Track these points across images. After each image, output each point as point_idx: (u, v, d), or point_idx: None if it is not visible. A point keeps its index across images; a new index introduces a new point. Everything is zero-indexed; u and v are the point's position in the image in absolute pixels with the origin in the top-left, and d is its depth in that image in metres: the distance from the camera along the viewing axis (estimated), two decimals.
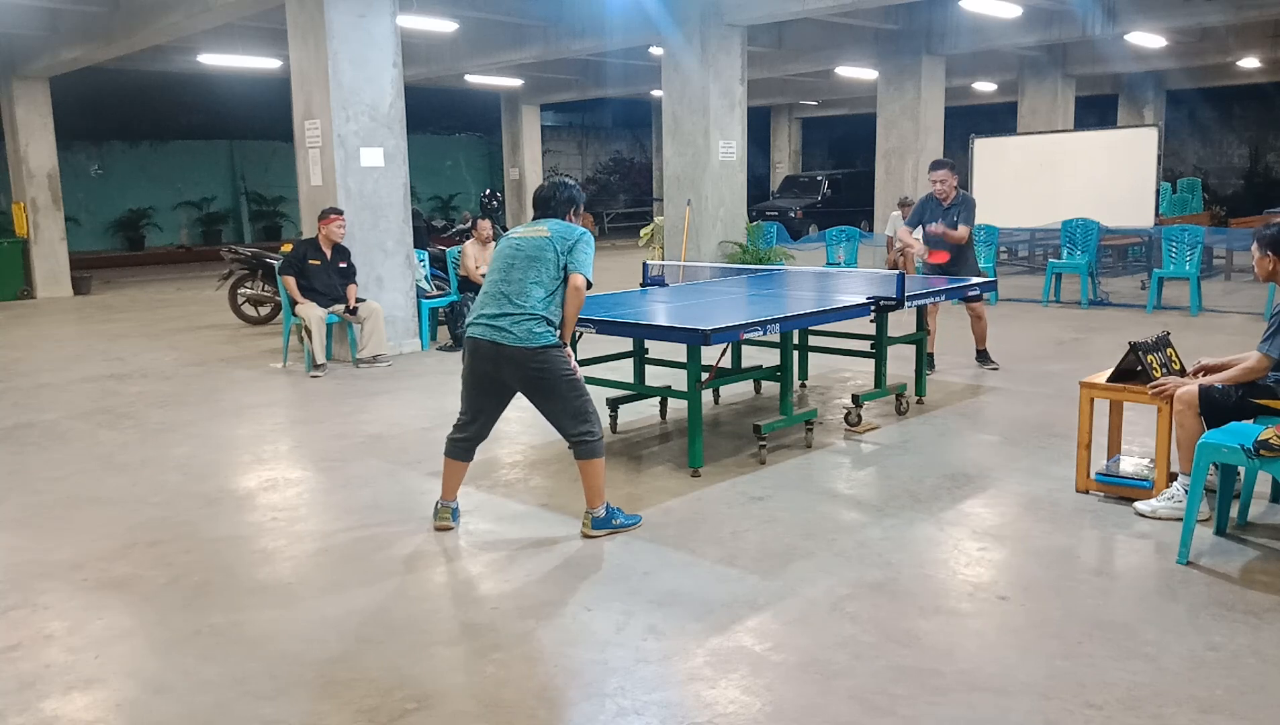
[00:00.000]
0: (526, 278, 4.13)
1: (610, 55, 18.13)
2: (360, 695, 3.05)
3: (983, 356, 7.75)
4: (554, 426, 4.30)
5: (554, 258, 4.14)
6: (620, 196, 30.72)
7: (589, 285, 4.20)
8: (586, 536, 4.29)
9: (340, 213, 8.44)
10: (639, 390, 6.15)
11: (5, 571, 4.12)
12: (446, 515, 4.51)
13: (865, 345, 6.73)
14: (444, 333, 9.72)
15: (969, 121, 23.40)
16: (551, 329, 4.14)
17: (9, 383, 8.25)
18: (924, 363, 6.78)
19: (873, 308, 5.89)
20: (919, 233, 7.86)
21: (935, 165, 7.76)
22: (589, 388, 5.82)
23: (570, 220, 4.34)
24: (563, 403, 4.19)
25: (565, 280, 4.17)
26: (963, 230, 7.50)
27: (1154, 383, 4.43)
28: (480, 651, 3.33)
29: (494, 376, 4.23)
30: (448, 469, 4.47)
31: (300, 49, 8.84)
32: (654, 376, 6.39)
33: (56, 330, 11.72)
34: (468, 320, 4.30)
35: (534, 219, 4.37)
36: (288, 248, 9.80)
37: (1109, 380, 4.66)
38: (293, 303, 8.38)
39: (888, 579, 3.82)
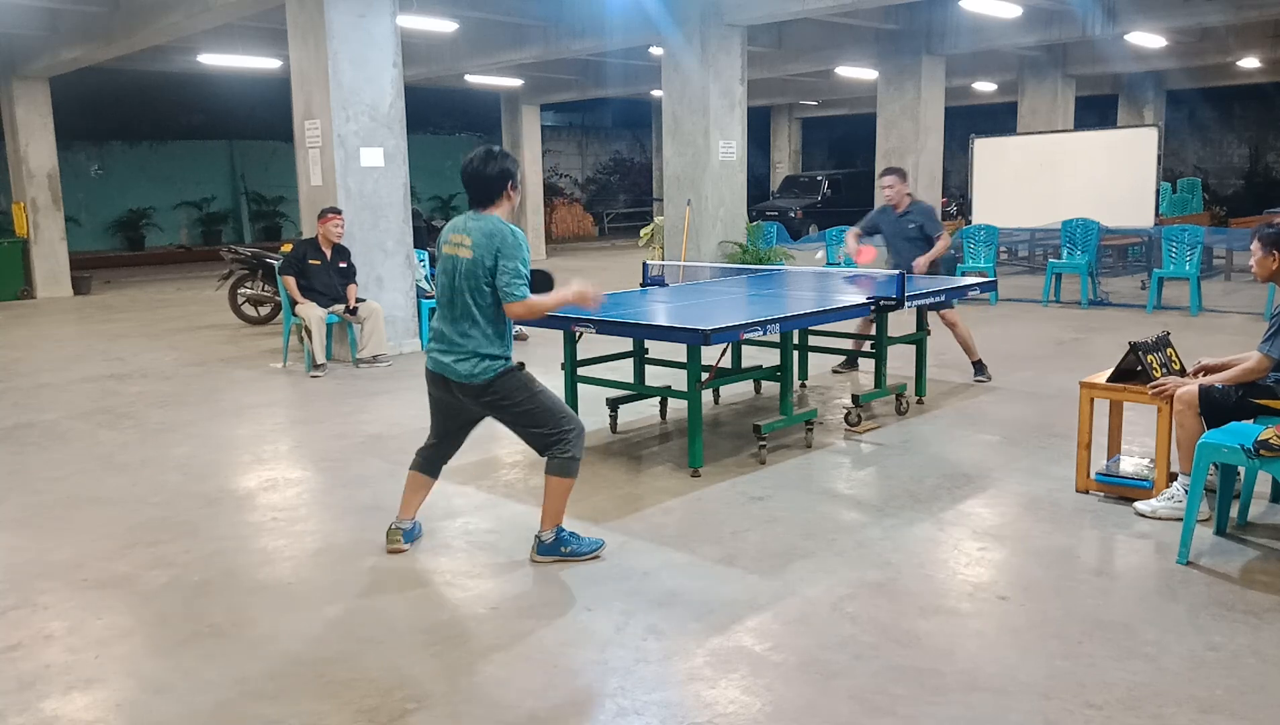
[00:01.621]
0: (464, 312, 3.81)
1: (610, 55, 18.12)
2: (360, 695, 3.05)
3: (978, 368, 7.34)
4: (529, 446, 4.05)
5: (483, 282, 3.75)
6: (620, 196, 30.72)
7: (528, 298, 3.75)
8: (534, 562, 4.01)
9: (338, 212, 8.44)
10: (639, 390, 6.14)
11: (5, 571, 4.12)
12: (398, 537, 4.18)
13: (865, 345, 6.73)
14: None
15: (969, 121, 23.39)
16: (498, 360, 3.82)
17: (9, 383, 8.26)
18: (924, 363, 6.75)
19: (873, 308, 5.89)
20: (878, 240, 7.74)
21: (886, 171, 7.49)
22: (590, 387, 5.88)
23: (510, 196, 3.84)
24: (526, 430, 3.94)
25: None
26: (943, 241, 7.35)
27: (1154, 383, 4.43)
28: (480, 651, 3.33)
29: (453, 403, 3.99)
30: (408, 482, 4.21)
31: (300, 49, 8.84)
32: (654, 376, 6.39)
33: (56, 330, 11.72)
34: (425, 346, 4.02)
35: (470, 205, 3.91)
36: (288, 248, 9.80)
37: (1109, 380, 4.66)
38: (293, 303, 8.38)
39: (888, 579, 3.82)
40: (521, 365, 3.96)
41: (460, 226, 3.87)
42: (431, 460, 4.21)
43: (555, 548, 4.01)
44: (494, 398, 3.86)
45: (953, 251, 12.40)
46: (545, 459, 3.98)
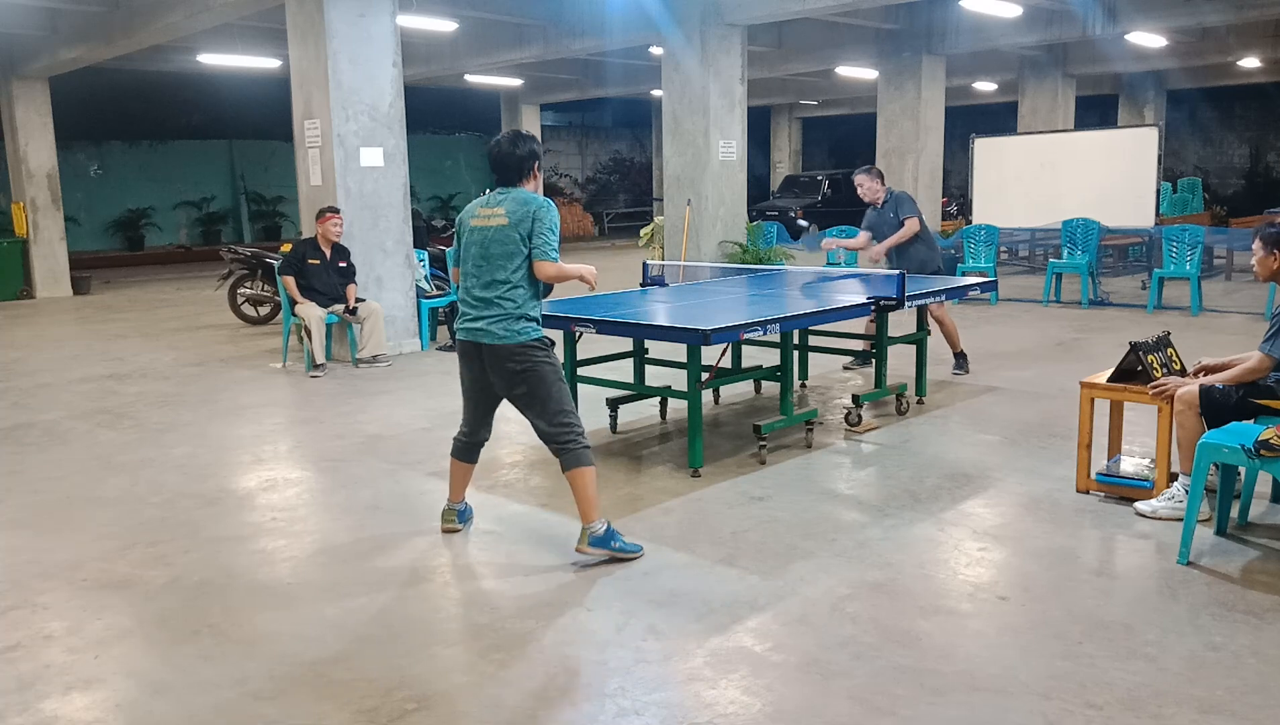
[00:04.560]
0: (501, 277, 3.95)
1: (610, 55, 18.13)
2: (360, 695, 3.05)
3: (960, 360, 7.49)
4: (538, 433, 4.07)
5: (519, 247, 3.93)
6: (620, 196, 30.73)
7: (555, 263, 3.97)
8: (581, 552, 3.99)
9: (337, 211, 8.44)
10: (639, 390, 6.14)
11: (5, 571, 4.12)
12: (452, 518, 4.46)
13: (865, 345, 6.73)
14: (443, 332, 9.72)
15: (969, 121, 23.39)
16: (535, 325, 3.99)
17: (9, 383, 8.25)
18: (924, 363, 6.75)
19: (873, 308, 5.88)
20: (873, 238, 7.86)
21: (856, 172, 7.72)
22: (590, 387, 5.89)
23: (534, 177, 4.09)
24: (543, 404, 3.99)
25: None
26: (910, 224, 7.43)
27: (1154, 383, 4.42)
28: (480, 651, 3.33)
29: (481, 378, 4.12)
30: (452, 469, 4.42)
31: (300, 49, 8.83)
32: (654, 376, 6.39)
33: (56, 330, 11.71)
34: (455, 324, 4.20)
35: (496, 184, 4.10)
36: (287, 248, 9.80)
37: (1109, 380, 4.66)
38: (292, 303, 8.38)
39: (888, 579, 3.82)
40: (551, 342, 4.07)
41: (489, 201, 4.06)
42: (470, 448, 4.38)
43: (607, 540, 4.00)
44: (522, 364, 3.96)
45: (953, 251, 12.43)
46: (559, 459, 4.02)
